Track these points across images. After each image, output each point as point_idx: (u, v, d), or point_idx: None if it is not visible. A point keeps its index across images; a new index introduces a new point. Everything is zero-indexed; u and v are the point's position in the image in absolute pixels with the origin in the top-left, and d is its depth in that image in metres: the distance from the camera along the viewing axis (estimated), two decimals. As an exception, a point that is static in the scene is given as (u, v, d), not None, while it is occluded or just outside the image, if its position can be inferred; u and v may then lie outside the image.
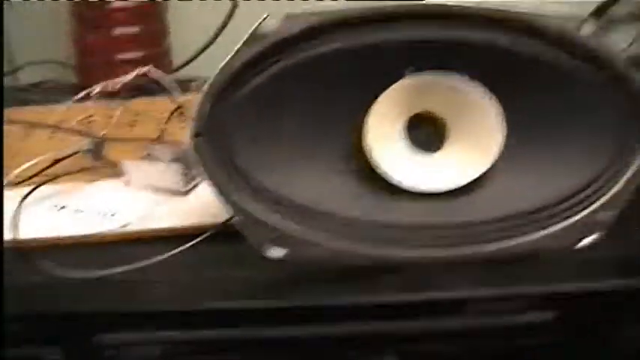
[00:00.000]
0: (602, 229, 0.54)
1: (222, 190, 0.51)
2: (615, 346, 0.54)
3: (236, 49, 0.49)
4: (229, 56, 0.49)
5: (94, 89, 0.74)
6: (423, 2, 0.51)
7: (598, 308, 0.53)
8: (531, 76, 0.52)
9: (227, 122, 0.51)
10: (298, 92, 0.52)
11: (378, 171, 0.53)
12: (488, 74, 0.52)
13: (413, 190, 0.54)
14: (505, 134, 0.53)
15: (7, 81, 1.00)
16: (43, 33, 1.02)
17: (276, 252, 0.52)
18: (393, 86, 0.52)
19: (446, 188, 0.54)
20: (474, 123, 0.53)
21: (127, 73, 0.78)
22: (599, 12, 0.97)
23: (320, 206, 0.53)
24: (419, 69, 0.52)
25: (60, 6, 0.96)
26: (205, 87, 0.50)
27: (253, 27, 0.49)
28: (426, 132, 0.55)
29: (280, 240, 0.52)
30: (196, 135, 0.50)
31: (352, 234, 0.53)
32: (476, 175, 0.53)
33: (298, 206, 0.52)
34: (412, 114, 0.54)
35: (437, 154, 0.55)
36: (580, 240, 0.54)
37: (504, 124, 0.52)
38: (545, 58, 0.51)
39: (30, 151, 0.69)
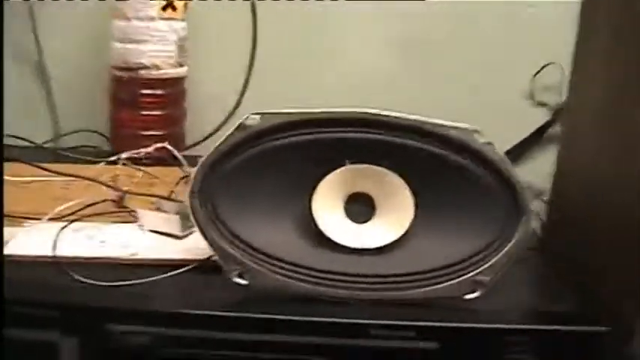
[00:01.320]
0: (483, 288, 0.71)
1: (206, 235, 0.70)
2: None
3: (226, 135, 0.69)
4: (221, 140, 0.69)
5: (122, 155, 0.93)
6: (362, 112, 0.69)
7: (470, 344, 0.68)
8: (436, 170, 0.70)
9: (215, 187, 0.70)
10: (268, 170, 0.70)
11: (322, 231, 0.71)
12: (405, 167, 0.70)
13: (347, 246, 0.71)
14: (415, 211, 0.71)
15: (55, 144, 1.18)
16: (86, 108, 1.21)
17: (242, 280, 0.70)
18: (336, 171, 0.71)
19: (372, 246, 0.71)
20: (393, 201, 0.71)
21: (149, 146, 0.96)
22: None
23: (276, 252, 0.71)
24: (355, 161, 0.70)
25: (102, 87, 1.14)
26: (201, 161, 0.69)
27: (239, 121, 0.68)
28: (361, 205, 0.73)
29: (245, 272, 0.70)
30: (192, 192, 0.70)
31: (298, 275, 0.71)
32: (394, 239, 0.71)
33: (261, 251, 0.71)
34: (351, 192, 0.72)
35: (368, 221, 0.73)
36: (467, 294, 0.71)
37: (415, 203, 0.70)
38: (446, 157, 0.69)
39: (69, 196, 0.87)
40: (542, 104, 1.20)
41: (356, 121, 0.69)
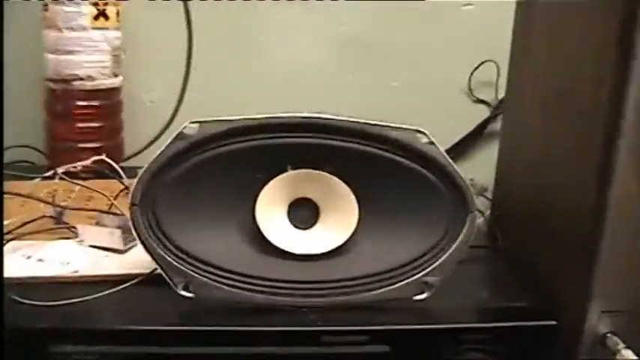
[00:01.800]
0: (432, 289, 0.71)
1: (148, 248, 0.69)
2: None
3: (166, 144, 0.67)
4: (160, 150, 0.67)
5: (59, 170, 0.89)
6: (302, 116, 0.69)
7: (424, 345, 0.69)
8: (380, 173, 0.70)
9: (156, 197, 0.68)
10: (210, 179, 0.69)
11: (267, 239, 0.71)
12: (347, 170, 0.70)
13: (293, 253, 0.71)
14: (360, 214, 0.71)
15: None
16: (21, 122, 1.18)
17: (187, 293, 0.69)
18: (278, 177, 0.70)
19: (318, 252, 0.71)
20: (337, 205, 0.71)
21: (87, 159, 0.93)
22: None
23: (222, 262, 0.70)
24: (297, 167, 0.70)
25: (37, 101, 1.12)
26: (141, 171, 0.68)
27: (178, 130, 0.67)
28: (305, 210, 0.73)
29: (190, 284, 0.69)
30: (132, 205, 0.68)
31: (244, 285, 0.70)
32: (339, 244, 0.71)
33: (205, 261, 0.70)
34: (294, 198, 0.72)
35: (312, 227, 0.73)
36: (416, 295, 0.71)
37: (359, 206, 0.71)
38: (389, 158, 0.70)
39: (5, 215, 0.83)
40: (481, 101, 1.22)
41: (296, 125, 0.69)
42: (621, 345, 0.70)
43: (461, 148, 1.20)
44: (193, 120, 0.68)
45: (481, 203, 0.96)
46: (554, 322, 0.70)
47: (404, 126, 0.69)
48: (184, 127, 0.67)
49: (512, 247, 0.87)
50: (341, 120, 0.69)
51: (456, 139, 1.20)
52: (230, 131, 0.68)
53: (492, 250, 0.88)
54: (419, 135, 0.69)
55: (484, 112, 1.22)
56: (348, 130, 0.69)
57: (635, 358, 0.68)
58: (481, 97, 1.22)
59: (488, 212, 0.97)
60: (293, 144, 0.69)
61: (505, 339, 0.69)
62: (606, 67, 0.65)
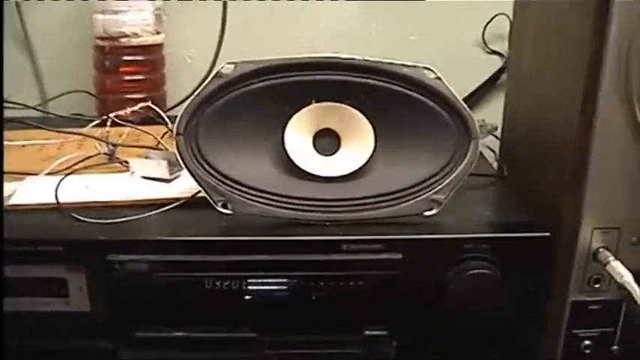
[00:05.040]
0: (439, 205, 0.80)
1: (192, 171, 0.78)
2: (440, 279, 0.77)
3: (206, 82, 0.77)
4: (201, 87, 0.77)
5: (110, 115, 1.00)
6: (326, 56, 0.77)
7: (432, 254, 0.77)
8: (393, 104, 0.78)
9: (197, 128, 0.78)
10: (244, 112, 0.78)
11: (295, 163, 0.80)
12: (364, 103, 0.79)
13: (317, 175, 0.80)
14: (376, 142, 0.80)
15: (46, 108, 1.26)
16: (72, 78, 1.29)
17: (226, 210, 0.79)
18: (304, 109, 0.79)
19: (338, 174, 0.80)
20: (356, 134, 0.80)
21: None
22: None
23: (255, 183, 0.79)
24: (320, 100, 0.79)
25: (86, 58, 1.23)
26: (185, 105, 0.77)
27: (216, 69, 0.77)
28: (327, 139, 0.82)
29: (228, 202, 0.79)
30: (177, 134, 0.78)
31: (275, 202, 0.79)
32: (357, 167, 0.79)
33: (241, 183, 0.79)
34: (318, 129, 0.81)
35: (334, 153, 0.82)
36: (425, 210, 0.80)
37: (375, 135, 0.79)
38: (401, 92, 0.78)
39: (64, 154, 0.95)
40: (494, 52, 1.29)
41: (320, 64, 0.77)
42: (611, 257, 0.77)
43: (476, 97, 1.28)
44: (229, 61, 0.77)
45: (491, 141, 1.05)
46: (547, 234, 0.77)
47: (414, 63, 0.77)
48: (222, 67, 0.76)
49: (516, 177, 0.95)
50: (359, 59, 0.77)
51: (472, 89, 1.28)
52: (261, 70, 0.77)
53: (499, 180, 0.96)
54: (427, 71, 0.77)
55: (497, 63, 1.30)
56: (365, 68, 0.77)
57: (623, 268, 0.76)
58: (494, 48, 1.30)
59: (497, 149, 1.05)
60: (317, 80, 0.77)
61: (503, 249, 0.77)
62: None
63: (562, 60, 0.80)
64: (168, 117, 1.03)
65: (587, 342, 0.83)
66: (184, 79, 1.25)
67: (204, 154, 0.78)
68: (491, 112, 1.18)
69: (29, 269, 0.77)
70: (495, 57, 1.30)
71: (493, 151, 1.05)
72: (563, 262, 0.79)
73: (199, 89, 0.77)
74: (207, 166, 0.78)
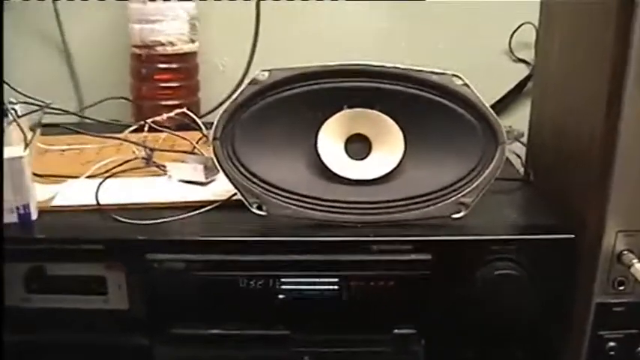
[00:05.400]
0: (467, 208, 0.82)
1: (227, 174, 0.81)
2: (468, 279, 0.79)
3: (242, 88, 0.80)
4: (238, 92, 0.80)
5: (147, 121, 1.02)
6: (357, 64, 0.80)
7: (460, 255, 0.79)
8: (422, 110, 0.80)
9: (233, 132, 0.80)
10: (278, 117, 0.81)
11: (327, 167, 0.82)
12: (395, 109, 0.81)
13: (349, 179, 0.82)
14: (405, 147, 0.82)
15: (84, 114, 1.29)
16: (108, 85, 1.31)
17: (260, 211, 0.82)
18: (336, 115, 0.81)
19: (370, 178, 0.82)
20: (386, 139, 0.82)
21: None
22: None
23: (289, 186, 0.81)
24: (352, 106, 0.81)
25: (122, 66, 1.26)
26: (221, 110, 0.80)
27: (252, 76, 0.79)
28: (359, 144, 0.84)
29: (263, 204, 0.82)
30: (214, 139, 0.81)
31: (308, 205, 0.82)
32: (388, 171, 0.82)
33: (276, 186, 0.81)
34: (349, 134, 0.83)
35: (365, 158, 0.84)
36: (454, 213, 0.82)
37: (405, 140, 0.82)
38: (430, 99, 0.80)
39: (104, 157, 0.98)
40: (521, 60, 1.31)
41: (352, 72, 0.80)
42: (635, 260, 0.78)
43: (503, 104, 1.29)
44: (264, 68, 0.79)
45: (517, 148, 1.07)
46: (572, 236, 0.79)
47: (442, 71, 0.79)
48: (257, 74, 0.79)
49: (542, 181, 0.97)
50: (389, 66, 0.80)
51: (498, 96, 1.30)
52: (295, 77, 0.80)
53: (525, 184, 0.98)
54: (455, 78, 0.80)
55: (524, 71, 1.32)
56: (395, 75, 0.80)
57: (646, 270, 0.76)
58: (521, 56, 1.31)
59: (523, 155, 1.06)
60: (349, 87, 0.80)
61: (529, 250, 0.79)
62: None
63: (587, 65, 0.81)
64: (202, 123, 1.05)
65: (611, 343, 0.83)
66: (217, 86, 1.28)
67: (240, 158, 0.81)
68: (518, 119, 1.19)
69: (71, 267, 0.80)
70: (522, 65, 1.32)
71: (519, 157, 1.07)
72: (588, 264, 0.80)
73: (235, 95, 0.79)
74: (242, 169, 0.81)
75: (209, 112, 1.27)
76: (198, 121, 1.04)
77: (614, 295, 0.81)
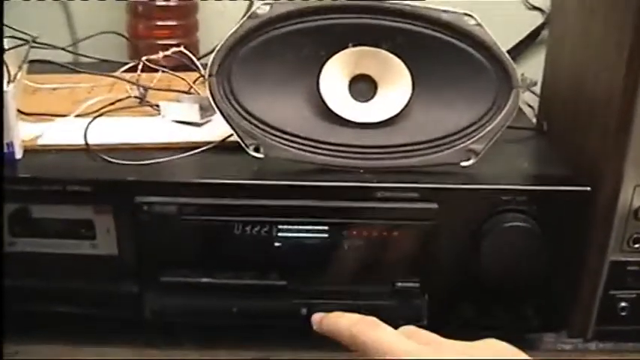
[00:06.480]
0: (477, 155, 0.78)
1: (223, 113, 0.77)
2: (476, 231, 0.75)
3: (240, 22, 0.75)
4: (236, 27, 0.75)
5: (143, 58, 0.98)
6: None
7: (468, 204, 0.75)
8: (431, 50, 0.76)
9: (231, 69, 0.76)
10: (279, 54, 0.76)
11: (329, 108, 0.78)
12: (402, 48, 0.76)
13: (352, 121, 0.78)
14: (413, 88, 0.77)
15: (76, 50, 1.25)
16: (104, 22, 1.26)
17: (258, 153, 0.78)
18: (339, 53, 0.77)
19: (375, 121, 0.78)
20: (393, 80, 0.78)
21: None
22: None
23: (289, 127, 0.77)
24: (357, 44, 0.77)
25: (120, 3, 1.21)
26: (218, 45, 0.75)
27: (252, 9, 0.74)
28: (364, 84, 0.79)
29: (261, 146, 0.77)
30: (210, 75, 0.76)
31: (308, 147, 0.78)
32: (394, 114, 0.77)
33: (274, 127, 0.77)
34: (354, 74, 0.79)
35: (371, 99, 0.79)
36: (463, 160, 0.78)
37: (413, 81, 0.77)
38: (440, 38, 0.76)
39: (96, 95, 0.93)
40: (535, 8, 1.26)
41: (358, 8, 0.75)
42: None
43: (515, 52, 1.24)
44: (265, 2, 0.74)
45: (530, 99, 1.04)
46: (588, 189, 0.75)
47: (454, 9, 0.75)
48: (257, 8, 0.74)
49: (556, 133, 0.93)
50: (397, 2, 0.75)
51: (511, 44, 1.24)
52: (297, 11, 0.75)
53: (538, 134, 0.94)
54: (467, 18, 0.75)
55: (538, 19, 1.26)
56: (404, 12, 0.75)
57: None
58: (535, 4, 1.26)
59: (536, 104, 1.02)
60: (354, 24, 0.75)
61: (542, 202, 0.75)
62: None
63: (607, 16, 0.78)
64: (201, 64, 1.00)
65: (623, 304, 0.81)
66: (217, 28, 1.22)
67: (237, 96, 0.76)
68: (530, 69, 1.13)
69: (57, 210, 0.77)
70: (536, 12, 1.26)
71: (532, 107, 1.02)
72: (603, 219, 0.78)
73: (233, 29, 0.75)
74: (239, 109, 0.77)
75: (208, 53, 1.20)
76: (196, 61, 1.00)
77: (629, 254, 0.79)
